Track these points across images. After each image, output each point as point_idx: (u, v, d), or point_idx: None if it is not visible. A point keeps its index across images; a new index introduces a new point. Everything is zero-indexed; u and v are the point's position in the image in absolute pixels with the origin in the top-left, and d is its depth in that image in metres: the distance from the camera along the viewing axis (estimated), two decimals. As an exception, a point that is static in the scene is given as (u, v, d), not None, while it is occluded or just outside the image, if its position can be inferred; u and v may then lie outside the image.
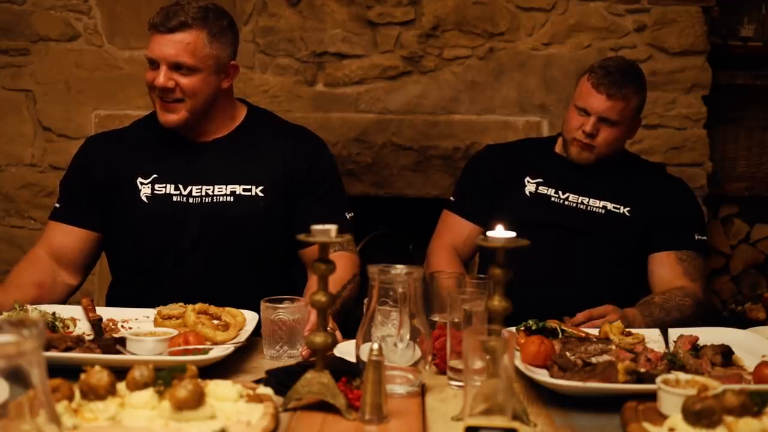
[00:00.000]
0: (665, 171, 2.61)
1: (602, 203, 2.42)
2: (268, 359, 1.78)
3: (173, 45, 2.08)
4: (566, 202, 2.44)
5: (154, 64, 2.12)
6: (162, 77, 2.09)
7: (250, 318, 1.89)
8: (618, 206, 2.42)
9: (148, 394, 1.36)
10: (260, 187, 2.20)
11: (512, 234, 1.41)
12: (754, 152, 3.48)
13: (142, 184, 2.19)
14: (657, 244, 2.40)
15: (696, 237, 2.41)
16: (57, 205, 2.25)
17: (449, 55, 3.20)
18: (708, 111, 3.21)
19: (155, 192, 2.18)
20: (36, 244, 2.24)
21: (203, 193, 2.18)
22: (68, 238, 2.20)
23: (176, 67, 2.10)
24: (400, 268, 1.53)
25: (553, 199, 2.44)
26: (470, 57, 3.20)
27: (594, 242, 2.40)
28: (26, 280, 2.12)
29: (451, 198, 2.58)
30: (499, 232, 1.41)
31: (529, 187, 2.47)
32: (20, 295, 2.00)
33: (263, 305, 1.80)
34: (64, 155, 2.30)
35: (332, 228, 1.41)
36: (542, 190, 2.46)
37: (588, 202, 2.43)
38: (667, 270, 2.37)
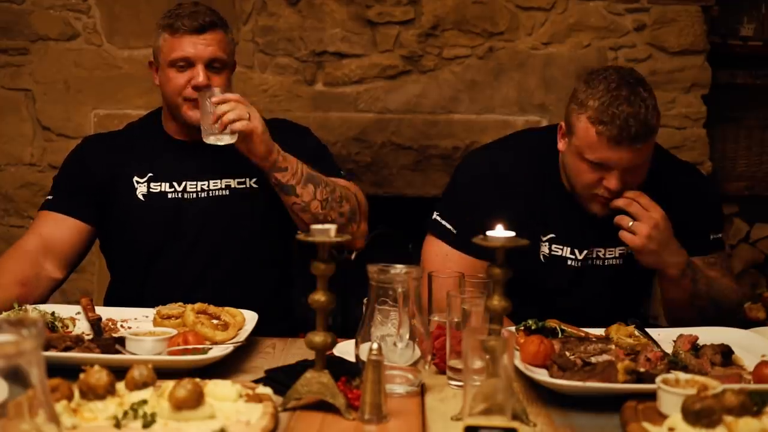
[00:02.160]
0: (673, 172, 2.22)
1: (620, 250, 2.13)
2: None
3: (208, 43, 2.12)
4: (583, 265, 2.13)
5: (183, 67, 2.12)
6: (202, 76, 2.10)
7: (250, 318, 1.89)
8: None
9: (148, 393, 1.36)
10: (254, 179, 2.19)
11: (512, 234, 1.42)
12: (754, 152, 3.48)
13: (138, 183, 2.18)
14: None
15: (716, 236, 2.18)
16: (49, 197, 2.20)
17: (449, 55, 3.20)
18: (708, 110, 3.21)
19: (151, 190, 2.18)
20: (23, 236, 2.18)
21: (198, 189, 2.18)
22: (60, 227, 2.15)
23: (209, 65, 2.12)
24: (399, 268, 1.53)
25: (569, 262, 2.13)
26: (470, 56, 3.20)
27: (615, 284, 2.16)
28: (9, 279, 2.06)
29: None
30: (499, 232, 1.42)
31: (543, 249, 2.12)
32: (4, 294, 1.96)
33: None
34: (64, 155, 2.29)
35: (332, 227, 1.42)
36: (556, 250, 2.13)
37: (604, 255, 2.13)
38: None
